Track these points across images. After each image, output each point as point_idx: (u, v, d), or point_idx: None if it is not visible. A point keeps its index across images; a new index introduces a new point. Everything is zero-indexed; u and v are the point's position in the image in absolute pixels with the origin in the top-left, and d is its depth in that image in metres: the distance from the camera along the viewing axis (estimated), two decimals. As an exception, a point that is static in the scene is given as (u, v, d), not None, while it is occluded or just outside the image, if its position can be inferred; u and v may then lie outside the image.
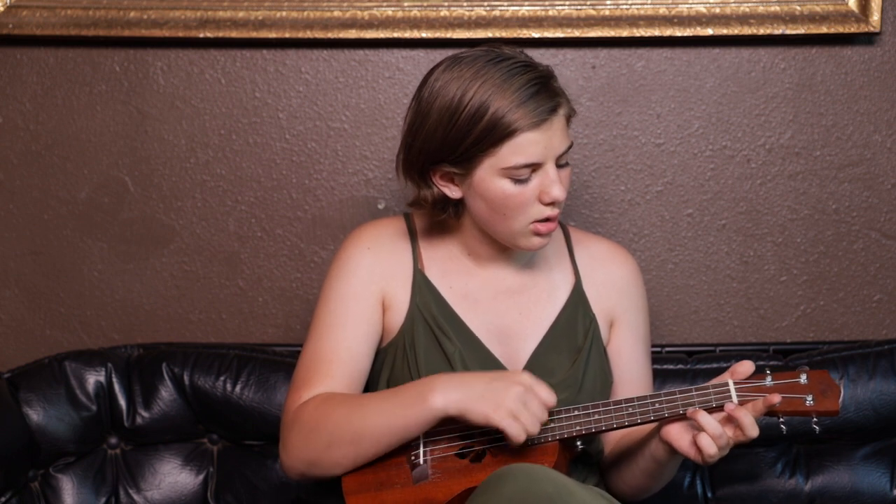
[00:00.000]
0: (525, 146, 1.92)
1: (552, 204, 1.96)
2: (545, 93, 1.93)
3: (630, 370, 2.13)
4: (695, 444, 1.89)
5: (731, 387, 1.89)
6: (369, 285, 2.07)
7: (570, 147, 1.98)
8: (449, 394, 1.88)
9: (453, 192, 2.01)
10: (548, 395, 1.88)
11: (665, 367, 2.37)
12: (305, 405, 1.99)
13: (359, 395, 2.01)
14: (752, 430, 1.87)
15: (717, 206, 2.54)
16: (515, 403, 1.85)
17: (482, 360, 2.04)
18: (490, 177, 1.95)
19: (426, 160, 1.98)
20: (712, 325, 2.57)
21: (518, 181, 1.94)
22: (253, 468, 2.38)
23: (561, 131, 1.95)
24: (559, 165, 1.97)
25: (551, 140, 1.94)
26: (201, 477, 2.40)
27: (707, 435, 1.86)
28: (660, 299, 2.55)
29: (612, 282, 2.14)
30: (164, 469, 2.39)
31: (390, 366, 2.07)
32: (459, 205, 2.03)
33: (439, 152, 1.96)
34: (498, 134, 1.91)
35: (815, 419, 1.90)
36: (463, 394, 1.88)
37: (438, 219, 2.06)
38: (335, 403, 1.97)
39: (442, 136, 1.95)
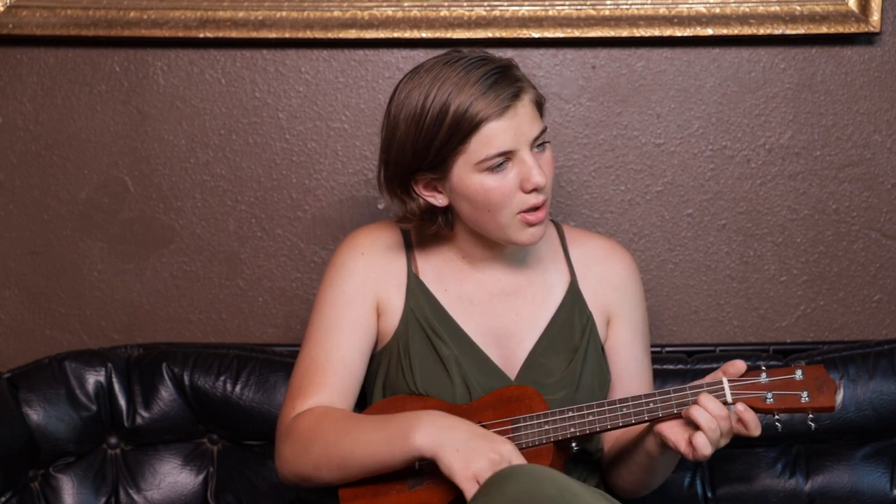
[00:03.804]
0: (493, 136, 1.92)
1: (535, 191, 1.96)
2: (504, 81, 1.93)
3: (629, 367, 2.13)
4: (689, 441, 1.88)
5: (726, 385, 1.89)
6: (363, 291, 2.07)
7: (543, 131, 1.97)
8: (429, 436, 1.87)
9: (438, 199, 2.00)
10: None
11: (665, 367, 2.37)
12: (298, 420, 2.00)
13: (349, 418, 2.00)
14: (756, 429, 1.87)
15: (717, 206, 2.54)
16: (484, 470, 1.82)
17: (478, 362, 2.04)
18: (467, 174, 1.95)
19: (404, 172, 1.98)
20: (712, 325, 2.57)
21: (496, 173, 1.94)
22: (253, 468, 2.38)
23: (529, 116, 1.95)
24: (537, 149, 1.97)
25: (520, 126, 1.93)
26: (201, 477, 2.40)
27: (703, 434, 1.86)
28: (660, 299, 2.55)
29: (608, 279, 2.14)
30: (164, 469, 2.39)
31: (385, 370, 2.07)
32: (449, 213, 2.03)
33: (413, 161, 1.96)
34: (464, 129, 1.91)
35: (810, 416, 1.89)
36: (441, 439, 1.86)
37: (430, 231, 2.06)
38: (326, 424, 1.97)
39: (412, 144, 1.95)
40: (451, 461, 1.84)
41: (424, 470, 1.93)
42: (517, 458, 1.85)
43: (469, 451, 1.84)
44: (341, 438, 1.95)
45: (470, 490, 1.82)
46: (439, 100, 1.92)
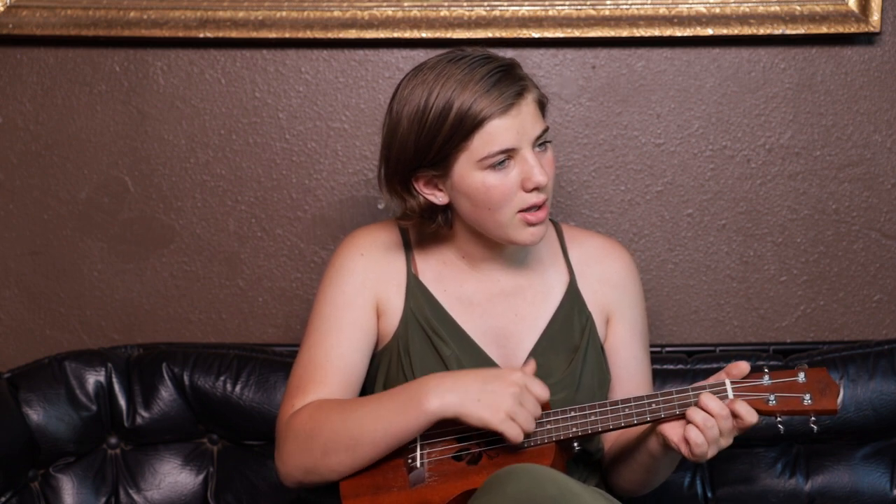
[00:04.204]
0: (496, 134, 1.92)
1: (536, 190, 1.96)
2: (508, 79, 1.94)
3: (628, 366, 2.13)
4: (685, 437, 1.88)
5: (728, 386, 1.89)
6: (363, 291, 2.07)
7: (545, 130, 1.97)
8: (444, 396, 1.88)
9: (439, 197, 2.00)
10: (541, 391, 1.89)
11: (665, 367, 2.37)
12: (299, 413, 2.00)
13: (353, 400, 2.01)
14: (750, 417, 1.87)
15: (717, 206, 2.54)
16: (512, 405, 1.86)
17: (478, 362, 2.04)
18: (469, 172, 1.95)
19: (405, 169, 1.98)
20: (712, 325, 2.57)
21: (497, 171, 1.94)
22: (253, 468, 2.38)
23: (532, 115, 1.95)
24: (538, 148, 1.97)
25: (523, 124, 1.94)
26: (201, 477, 2.40)
27: (695, 427, 1.86)
28: (660, 299, 2.55)
29: (607, 277, 2.14)
30: (164, 469, 2.39)
31: (385, 371, 2.07)
32: (448, 211, 2.03)
33: (415, 158, 1.96)
34: (467, 126, 1.92)
35: (812, 418, 1.89)
36: (459, 397, 1.88)
37: (429, 230, 2.06)
38: (329, 410, 1.98)
39: (415, 141, 1.95)
40: (480, 413, 1.86)
41: (424, 467, 1.94)
42: (533, 381, 1.89)
43: (489, 395, 1.87)
44: (348, 418, 1.95)
45: (510, 430, 1.85)
46: (443, 97, 1.92)
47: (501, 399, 1.86)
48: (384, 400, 1.95)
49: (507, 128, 1.92)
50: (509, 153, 1.94)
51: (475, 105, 1.91)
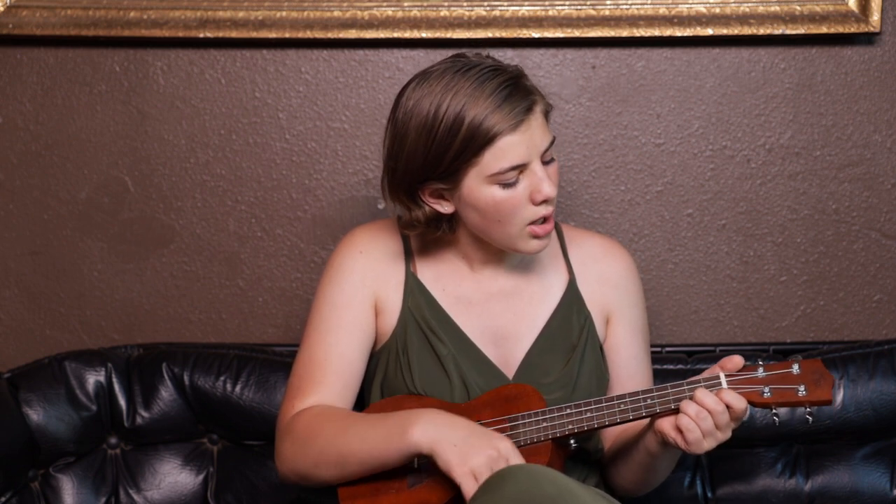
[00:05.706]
0: (507, 149, 1.92)
1: (544, 202, 1.96)
2: (518, 93, 1.93)
3: (628, 366, 2.13)
4: (678, 427, 1.88)
5: (723, 379, 1.89)
6: (362, 290, 2.08)
7: (552, 142, 1.97)
8: (427, 431, 1.87)
9: (445, 207, 2.00)
10: None
11: (665, 367, 2.37)
12: (298, 418, 2.00)
13: (348, 416, 2.01)
14: (739, 403, 1.86)
15: (717, 206, 2.54)
16: (482, 465, 1.82)
17: (475, 362, 2.04)
18: (478, 185, 1.94)
19: (412, 180, 1.97)
20: (712, 325, 2.57)
21: (507, 185, 1.94)
22: (253, 468, 2.38)
23: (540, 128, 1.95)
24: (545, 162, 1.97)
25: (532, 139, 1.93)
26: (201, 477, 2.40)
27: (687, 416, 1.86)
28: (660, 299, 2.55)
29: (607, 277, 2.13)
30: (164, 469, 2.39)
31: (384, 369, 2.07)
32: (453, 219, 2.03)
33: (423, 170, 1.95)
34: (478, 142, 1.90)
35: (808, 409, 1.89)
36: (439, 435, 1.86)
37: (433, 236, 2.06)
38: (326, 421, 1.98)
39: (423, 154, 1.94)
40: (449, 456, 1.84)
41: (423, 468, 1.94)
42: (515, 455, 1.85)
43: (467, 446, 1.84)
44: (340, 436, 1.95)
45: (466, 485, 1.82)
46: (453, 110, 1.91)
47: (475, 454, 1.83)
48: (377, 422, 1.95)
49: (518, 143, 1.92)
50: (520, 168, 1.93)
51: (486, 121, 1.90)
